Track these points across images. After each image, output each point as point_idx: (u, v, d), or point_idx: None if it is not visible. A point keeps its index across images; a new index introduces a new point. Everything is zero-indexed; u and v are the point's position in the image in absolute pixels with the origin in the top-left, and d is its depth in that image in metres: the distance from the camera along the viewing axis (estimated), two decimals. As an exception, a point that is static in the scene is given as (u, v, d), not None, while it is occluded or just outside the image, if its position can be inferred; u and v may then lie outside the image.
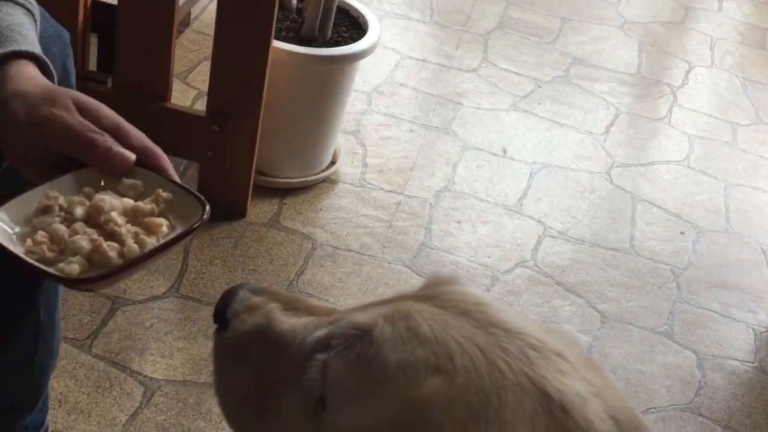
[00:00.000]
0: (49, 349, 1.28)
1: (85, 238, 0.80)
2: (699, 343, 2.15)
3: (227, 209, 2.14)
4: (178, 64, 2.50)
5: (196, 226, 0.83)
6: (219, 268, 2.02)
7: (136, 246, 0.80)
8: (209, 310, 1.87)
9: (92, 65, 2.15)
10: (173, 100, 2.11)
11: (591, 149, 2.77)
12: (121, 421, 1.65)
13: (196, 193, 0.86)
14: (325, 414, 0.67)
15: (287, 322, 0.78)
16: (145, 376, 1.74)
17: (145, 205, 0.84)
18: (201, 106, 2.36)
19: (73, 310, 1.83)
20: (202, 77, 2.59)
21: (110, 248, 0.79)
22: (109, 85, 2.07)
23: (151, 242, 0.81)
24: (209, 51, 2.64)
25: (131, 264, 0.80)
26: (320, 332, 0.74)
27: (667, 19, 3.67)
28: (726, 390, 2.04)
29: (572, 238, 2.39)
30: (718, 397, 2.02)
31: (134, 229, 0.82)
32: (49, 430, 1.45)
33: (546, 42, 3.28)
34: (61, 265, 0.78)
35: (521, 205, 2.46)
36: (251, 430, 0.80)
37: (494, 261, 2.24)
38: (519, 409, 0.60)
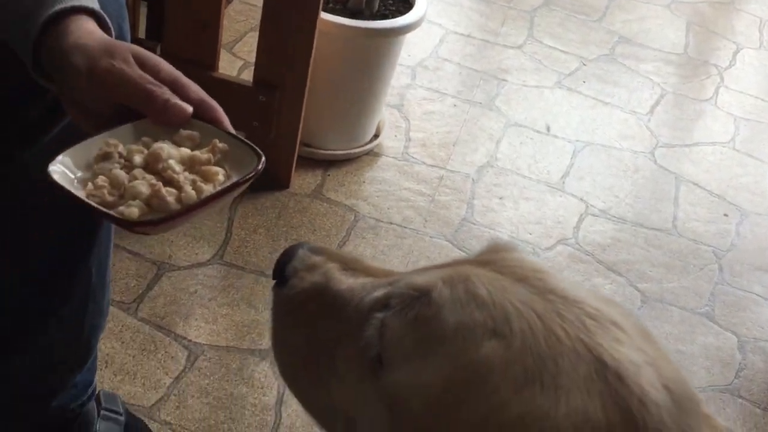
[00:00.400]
0: (99, 308, 1.30)
1: (144, 184, 0.82)
2: (740, 326, 2.14)
3: (271, 179, 2.16)
4: (224, 35, 2.51)
5: (251, 175, 0.84)
6: (262, 237, 2.04)
7: (193, 192, 0.82)
8: (252, 278, 1.90)
9: (141, 33, 2.17)
10: (220, 70, 2.13)
11: (635, 129, 2.75)
12: (165, 383, 1.68)
13: (252, 145, 0.87)
14: (382, 372, 0.68)
15: (345, 281, 0.79)
16: (189, 340, 1.77)
17: (202, 154, 0.86)
18: (246, 76, 2.38)
19: (120, 273, 1.86)
20: (248, 48, 2.61)
21: (168, 194, 0.81)
22: (158, 53, 2.09)
23: (208, 189, 0.82)
24: (255, 22, 2.65)
25: (189, 209, 0.81)
26: (378, 292, 0.74)
27: (716, -1, 3.62)
28: (766, 372, 2.03)
29: (614, 217, 2.38)
30: (758, 379, 2.01)
31: (191, 176, 0.84)
32: (97, 389, 1.48)
33: (592, 20, 3.26)
34: (121, 208, 0.80)
35: (564, 182, 2.45)
36: (305, 385, 0.81)
37: (535, 238, 2.24)
38: (574, 375, 0.61)
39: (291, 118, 2.09)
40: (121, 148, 0.85)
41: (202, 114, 0.88)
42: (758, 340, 2.11)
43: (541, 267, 0.70)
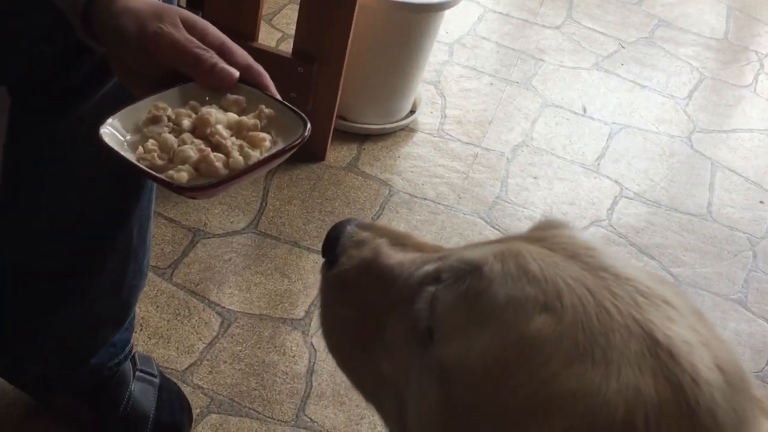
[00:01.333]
0: (139, 268, 1.32)
1: (192, 148, 0.82)
2: (773, 313, 2.13)
3: (307, 151, 2.17)
4: (264, 6, 2.51)
5: (298, 141, 0.85)
6: (297, 208, 2.05)
7: (241, 158, 0.82)
8: (286, 248, 1.91)
9: (183, 1, 2.18)
10: (259, 41, 2.13)
11: (672, 113, 2.72)
12: (198, 348, 1.70)
13: (298, 111, 0.87)
14: (432, 344, 0.68)
15: (395, 256, 0.79)
16: (223, 307, 1.79)
17: (249, 119, 0.86)
18: (284, 48, 2.38)
19: (155, 239, 1.88)
20: (286, 20, 2.61)
21: (216, 159, 0.82)
22: (199, 22, 2.09)
23: (255, 155, 0.83)
24: (295, -6, 2.65)
25: (237, 175, 0.81)
26: (429, 267, 0.74)
27: (759, -15, 3.57)
28: (798, 361, 2.02)
29: (649, 200, 2.37)
30: (789, 367, 2.00)
31: (239, 142, 0.84)
32: (133, 350, 1.50)
33: (632, 2, 3.23)
34: (170, 172, 0.81)
35: (599, 164, 2.44)
36: (355, 361, 0.81)
37: (569, 218, 2.23)
38: (626, 351, 0.60)
39: (328, 90, 2.09)
40: (169, 111, 0.86)
41: (248, 79, 0.89)
42: (791, 329, 2.10)
43: (593, 244, 0.69)
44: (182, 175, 0.80)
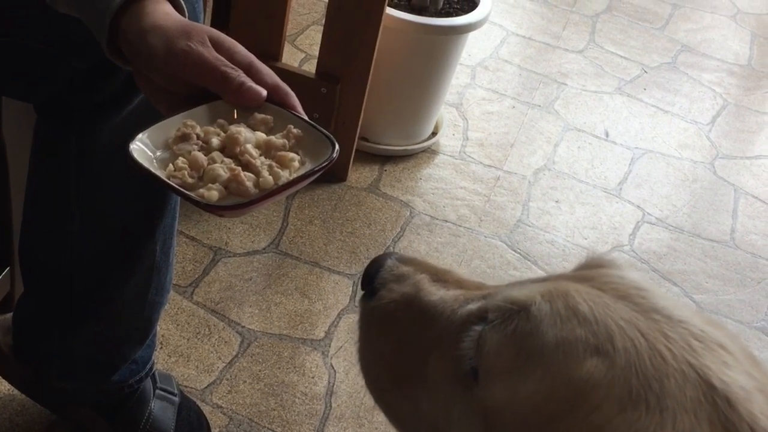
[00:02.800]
0: (162, 284, 1.32)
1: (223, 167, 0.82)
2: (796, 342, 2.10)
3: (329, 171, 2.16)
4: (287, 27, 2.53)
5: (326, 163, 0.84)
6: (318, 228, 2.05)
7: (270, 178, 0.82)
8: (306, 268, 1.91)
9: (207, 21, 2.19)
10: (282, 61, 2.14)
11: (695, 138, 2.71)
12: (218, 367, 1.70)
13: (326, 132, 0.87)
14: (477, 385, 0.67)
15: (436, 293, 0.77)
16: (243, 326, 1.78)
17: (277, 139, 0.86)
18: (307, 69, 2.39)
19: (177, 257, 1.88)
20: (309, 41, 2.62)
21: (247, 178, 0.81)
22: (223, 41, 2.10)
23: (285, 175, 0.83)
24: (318, 15, 2.67)
25: (267, 195, 0.81)
26: (473, 305, 0.73)
27: (783, 11, 3.56)
28: (822, 391, 2.00)
29: (671, 226, 2.35)
30: (813, 397, 1.98)
31: (268, 161, 0.84)
32: (154, 368, 1.49)
33: (655, 27, 3.22)
34: (201, 190, 0.80)
35: (621, 189, 2.43)
36: (393, 397, 0.80)
37: (591, 243, 2.22)
38: (681, 397, 0.59)
39: (351, 111, 2.10)
40: (198, 129, 0.86)
41: (276, 99, 0.88)
42: (815, 358, 2.07)
43: (643, 284, 0.67)
44: (213, 193, 0.80)
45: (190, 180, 0.81)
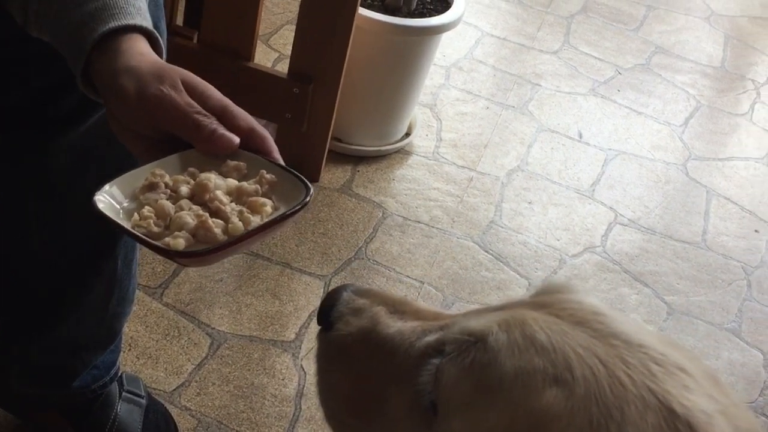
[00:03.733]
0: (124, 296, 1.31)
1: (190, 214, 0.80)
2: (766, 343, 2.11)
3: (301, 172, 2.15)
4: (260, 26, 2.51)
5: (299, 207, 0.82)
6: (290, 230, 2.04)
7: (240, 223, 0.80)
8: (278, 269, 1.90)
9: (179, 20, 2.18)
10: (255, 61, 2.13)
11: (668, 140, 2.72)
12: (187, 369, 1.69)
13: (300, 176, 0.84)
14: (436, 420, 0.66)
15: (394, 325, 0.77)
16: (213, 328, 1.77)
17: (249, 185, 0.84)
18: (281, 68, 2.38)
19: (147, 258, 1.86)
20: (283, 40, 2.61)
21: (215, 225, 0.79)
22: (195, 41, 2.09)
23: (255, 221, 0.80)
24: (292, 15, 2.66)
25: (235, 241, 0.79)
26: (430, 337, 0.72)
27: (757, 14, 3.58)
28: (791, 392, 2.01)
29: (643, 227, 2.36)
30: (782, 398, 1.99)
31: (238, 207, 0.82)
32: (120, 371, 1.48)
33: (629, 29, 3.24)
34: (167, 239, 0.78)
35: (594, 190, 2.44)
36: (352, 431, 0.79)
37: (563, 244, 2.23)
38: (643, 424, 0.58)
39: (324, 111, 2.09)
40: (167, 178, 0.83)
41: (251, 143, 0.86)
42: (784, 359, 2.09)
43: (600, 309, 0.67)
44: (179, 241, 0.78)
45: (155, 229, 0.79)
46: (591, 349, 0.62)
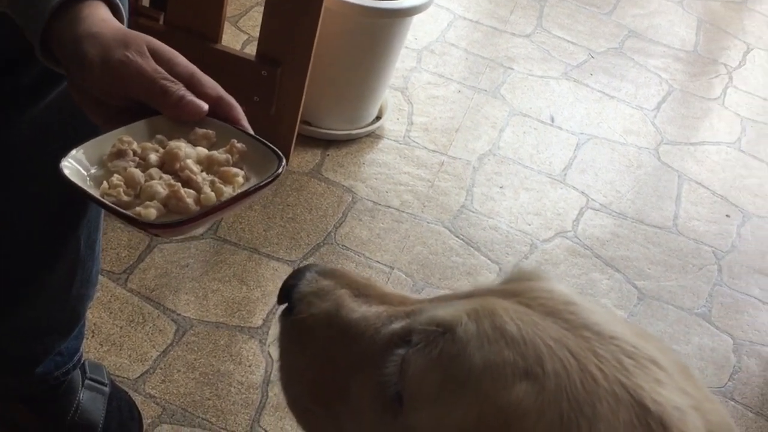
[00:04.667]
0: (87, 278, 1.28)
1: (161, 184, 0.78)
2: (736, 328, 2.12)
3: (270, 156, 2.13)
4: (230, 8, 2.47)
5: (272, 178, 0.80)
6: (258, 214, 2.01)
7: (212, 194, 0.78)
8: (245, 254, 1.87)
9: (146, 2, 2.14)
10: (223, 44, 2.09)
11: (640, 124, 2.72)
12: (152, 356, 1.66)
13: (271, 146, 0.83)
14: (401, 411, 0.64)
15: (358, 309, 0.75)
16: (178, 314, 1.74)
17: (220, 154, 0.82)
18: (250, 51, 2.34)
19: (111, 243, 1.83)
20: (252, 22, 2.58)
21: (187, 195, 0.78)
22: (161, 22, 2.05)
23: (228, 191, 0.79)
24: (262, -4, 2.61)
25: (208, 212, 0.77)
26: (396, 325, 0.70)
27: (729, -2, 3.58)
28: (760, 377, 2.01)
29: (615, 212, 2.35)
30: (752, 383, 1.99)
31: (210, 177, 0.80)
32: (83, 358, 1.45)
33: (603, 12, 3.22)
34: (138, 209, 0.76)
35: (565, 175, 2.42)
36: (315, 418, 0.77)
37: (534, 229, 2.21)
38: (615, 421, 0.57)
39: (292, 94, 2.06)
40: (135, 145, 0.81)
41: (219, 112, 0.84)
42: (754, 344, 2.09)
43: (571, 298, 0.65)
44: (150, 211, 0.76)
45: (125, 198, 0.77)
46: (562, 342, 0.61)
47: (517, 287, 0.68)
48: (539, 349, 0.60)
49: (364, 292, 0.77)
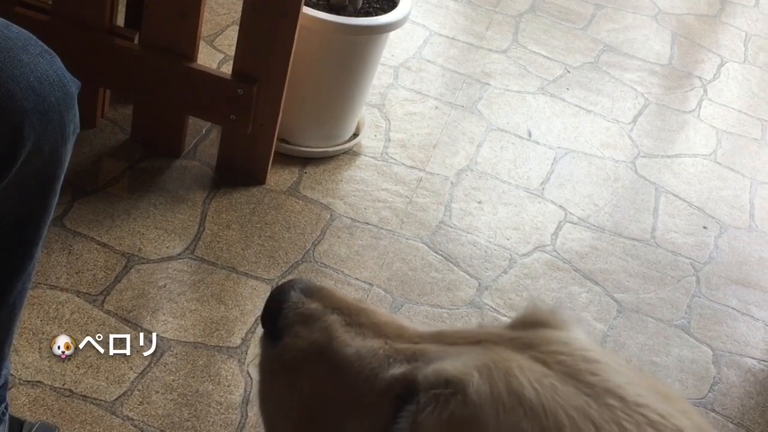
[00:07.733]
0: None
1: None
2: (716, 339, 2.12)
3: (247, 174, 2.12)
4: (205, 27, 2.47)
5: None
6: (236, 233, 2.00)
7: None
8: (223, 274, 1.86)
9: (121, 21, 2.13)
10: (200, 63, 2.09)
11: (617, 138, 2.73)
12: (129, 378, 1.64)
13: None
14: None
15: (351, 344, 0.68)
16: (156, 335, 1.73)
17: None
18: (226, 69, 2.34)
19: (87, 264, 1.82)
20: (228, 41, 2.57)
21: None
22: (136, 41, 2.04)
23: None
24: (237, 15, 2.61)
25: None
26: (396, 370, 0.65)
27: (703, 12, 3.61)
28: (740, 387, 2.02)
29: (593, 225, 2.36)
30: (732, 394, 2.00)
31: None
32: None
33: (578, 27, 3.24)
34: None
35: (543, 189, 2.43)
36: None
37: (513, 243, 2.22)
38: None
39: (269, 112, 2.05)
40: None
41: None
42: (733, 355, 2.09)
43: (592, 354, 0.61)
44: None
45: None
46: (584, 412, 0.56)
47: (532, 338, 0.63)
48: (561, 422, 0.56)
49: (356, 320, 0.70)
